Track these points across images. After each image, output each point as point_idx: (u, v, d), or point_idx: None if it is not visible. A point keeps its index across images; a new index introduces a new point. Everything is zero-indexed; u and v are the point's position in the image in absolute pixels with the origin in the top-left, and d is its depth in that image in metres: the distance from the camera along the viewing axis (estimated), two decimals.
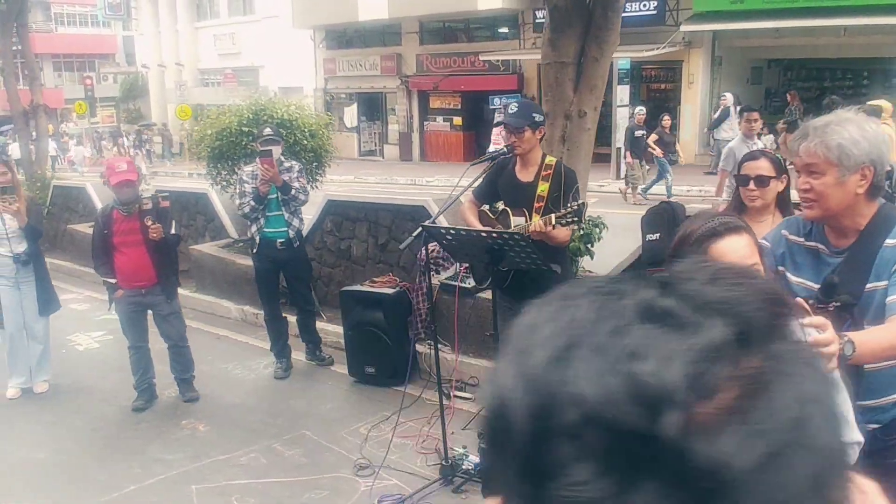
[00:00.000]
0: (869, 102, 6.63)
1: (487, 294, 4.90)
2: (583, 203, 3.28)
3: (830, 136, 1.91)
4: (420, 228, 3.43)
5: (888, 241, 1.99)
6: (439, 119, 22.32)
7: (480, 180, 3.68)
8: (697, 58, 17.26)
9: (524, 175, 3.61)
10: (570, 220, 3.22)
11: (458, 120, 21.91)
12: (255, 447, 4.15)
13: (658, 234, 4.19)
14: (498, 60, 19.79)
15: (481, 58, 19.74)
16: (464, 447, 3.81)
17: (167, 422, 4.62)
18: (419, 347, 5.14)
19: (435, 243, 5.25)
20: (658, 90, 19.34)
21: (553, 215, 3.28)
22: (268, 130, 5.18)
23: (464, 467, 3.70)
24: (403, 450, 4.04)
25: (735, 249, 1.64)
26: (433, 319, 4.48)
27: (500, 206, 3.65)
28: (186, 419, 4.61)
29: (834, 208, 1.96)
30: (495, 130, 18.20)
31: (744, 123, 6.26)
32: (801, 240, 2.15)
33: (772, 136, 14.12)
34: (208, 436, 4.40)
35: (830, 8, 13.69)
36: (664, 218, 4.19)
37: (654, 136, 12.15)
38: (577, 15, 4.45)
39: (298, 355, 5.49)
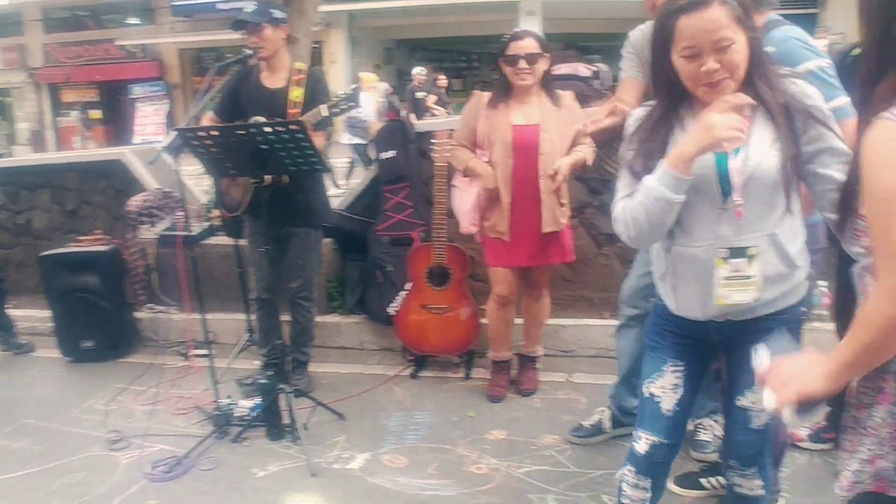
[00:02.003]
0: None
1: (216, 241, 4.48)
2: (356, 87, 3.15)
3: None
4: (175, 133, 2.93)
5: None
6: (74, 113, 20.22)
7: (217, 94, 3.30)
8: (337, 38, 17.92)
9: (273, 81, 3.33)
10: (343, 107, 3.07)
11: (95, 113, 20.15)
12: None
13: (393, 151, 4.26)
14: (136, 46, 18.45)
15: (117, 44, 18.29)
16: (228, 397, 3.43)
17: None
18: (140, 314, 4.47)
19: (144, 196, 4.61)
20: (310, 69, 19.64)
21: (323, 105, 3.09)
22: None
23: (237, 415, 3.34)
24: (156, 416, 3.48)
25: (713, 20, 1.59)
26: (155, 279, 3.93)
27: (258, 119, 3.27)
28: None
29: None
30: (139, 114, 16.65)
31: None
32: None
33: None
34: None
35: None
36: (396, 135, 4.28)
37: (433, 98, 12.28)
38: None
39: None
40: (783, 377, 1.34)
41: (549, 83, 3.25)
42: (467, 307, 3.79)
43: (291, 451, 3.12)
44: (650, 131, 1.76)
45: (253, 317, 3.79)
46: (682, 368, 1.89)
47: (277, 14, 3.31)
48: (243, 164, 2.97)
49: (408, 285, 3.88)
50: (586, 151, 3.16)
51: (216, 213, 4.34)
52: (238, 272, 4.04)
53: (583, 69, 4.19)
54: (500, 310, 3.49)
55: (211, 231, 4.59)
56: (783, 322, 1.77)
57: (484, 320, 3.74)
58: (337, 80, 17.94)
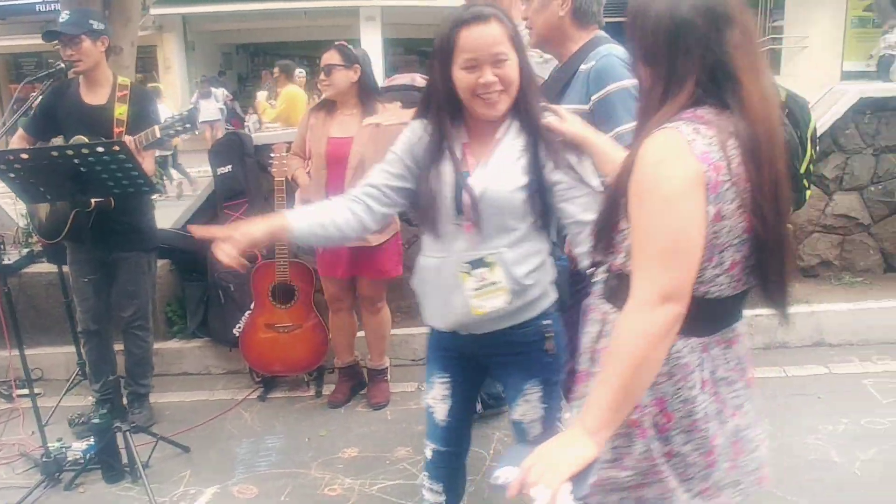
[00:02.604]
0: None
1: (40, 268, 4.13)
2: (194, 108, 3.01)
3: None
4: None
5: (582, 67, 2.12)
6: None
7: (31, 110, 3.02)
8: (171, 43, 17.00)
9: (94, 97, 3.10)
10: (178, 128, 2.92)
11: None
12: None
13: (230, 166, 4.12)
14: None
15: None
16: (59, 439, 3.17)
17: None
18: None
19: None
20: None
21: (156, 126, 2.93)
22: None
23: (70, 458, 3.09)
24: None
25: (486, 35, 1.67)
26: None
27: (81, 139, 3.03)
28: None
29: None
30: None
31: None
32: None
33: (255, 115, 14.97)
34: None
35: None
36: (234, 148, 4.13)
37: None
38: None
39: None
40: (542, 471, 1.19)
41: (368, 95, 3.29)
42: (314, 323, 3.75)
43: (133, 492, 2.93)
44: (423, 155, 1.81)
45: (83, 350, 3.52)
46: (447, 381, 1.98)
47: (97, 25, 3.08)
48: (60, 189, 2.74)
49: (252, 304, 3.77)
50: None
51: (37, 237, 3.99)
52: (64, 302, 3.76)
53: (419, 79, 4.27)
54: (333, 316, 3.59)
55: (31, 258, 4.21)
56: (528, 335, 1.84)
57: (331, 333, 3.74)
58: (172, 86, 17.03)
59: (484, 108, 1.72)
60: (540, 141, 1.73)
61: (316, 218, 1.81)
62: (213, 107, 12.78)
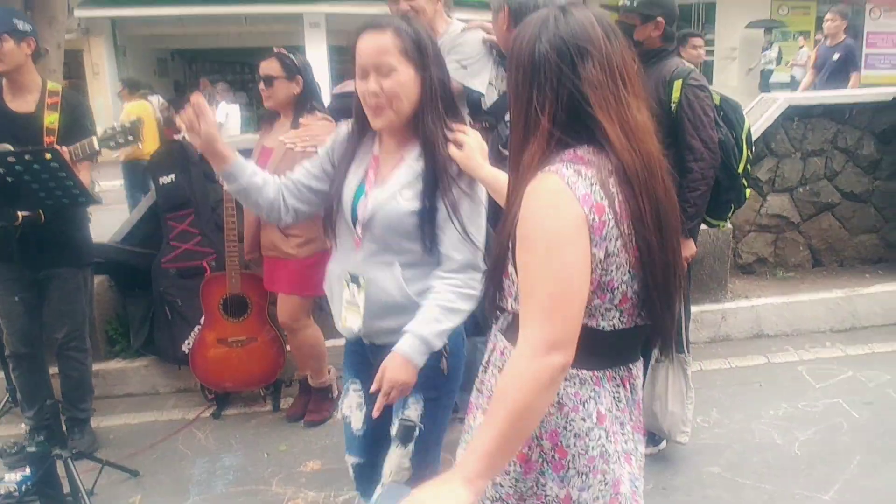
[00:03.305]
0: None
1: None
2: (137, 119, 2.83)
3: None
4: None
5: None
6: None
7: None
8: (99, 47, 16.33)
9: (19, 104, 2.88)
10: (120, 141, 2.74)
11: None
12: None
13: (172, 175, 3.93)
14: None
15: None
16: None
17: None
18: None
19: None
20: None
21: (94, 138, 2.74)
22: None
23: (2, 492, 2.86)
24: None
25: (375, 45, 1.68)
26: None
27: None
28: None
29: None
30: None
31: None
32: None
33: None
34: None
35: None
36: (176, 157, 3.95)
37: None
38: None
39: None
40: None
41: (300, 107, 3.17)
42: (271, 336, 3.59)
43: None
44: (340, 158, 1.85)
45: (13, 375, 3.28)
46: (360, 388, 1.93)
47: (22, 25, 2.87)
48: None
49: (202, 319, 3.59)
50: None
51: None
52: None
53: None
54: (289, 335, 3.51)
55: None
56: None
57: (289, 346, 3.60)
58: (101, 93, 16.36)
59: (372, 119, 1.73)
60: (437, 166, 1.70)
61: (255, 170, 1.83)
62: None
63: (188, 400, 3.81)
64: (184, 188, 3.91)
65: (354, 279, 1.77)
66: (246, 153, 3.49)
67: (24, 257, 2.82)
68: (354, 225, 1.77)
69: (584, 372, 1.29)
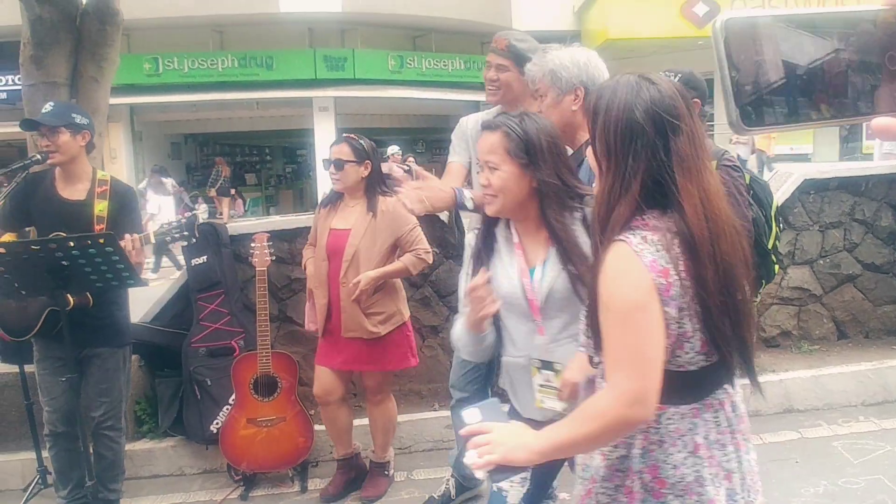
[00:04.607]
0: None
1: None
2: (194, 213, 2.93)
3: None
4: None
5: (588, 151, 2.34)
6: None
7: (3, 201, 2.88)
8: (118, 132, 16.81)
9: (71, 192, 2.96)
10: (176, 234, 2.82)
11: None
12: None
13: (205, 256, 4.01)
14: None
15: None
16: None
17: None
18: None
19: None
20: None
21: (151, 232, 2.85)
22: None
23: None
24: None
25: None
26: None
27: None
28: None
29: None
30: None
31: None
32: None
33: (205, 205, 14.85)
34: None
35: (245, 83, 15.15)
36: (209, 239, 4.03)
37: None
38: (65, 29, 3.91)
39: None
40: (490, 441, 1.38)
41: (372, 189, 3.26)
42: (298, 413, 3.58)
43: None
44: (477, 255, 1.97)
45: (47, 454, 3.25)
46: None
47: (79, 119, 2.98)
48: (37, 283, 2.59)
49: (231, 398, 3.58)
50: (408, 261, 3.20)
51: None
52: (25, 405, 3.50)
53: (396, 168, 4.31)
54: (324, 409, 3.42)
55: None
56: None
57: (318, 426, 3.57)
58: (119, 176, 16.50)
59: (486, 207, 1.91)
60: (564, 248, 1.85)
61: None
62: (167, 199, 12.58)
63: (215, 481, 3.75)
64: (215, 268, 3.98)
65: (547, 365, 1.86)
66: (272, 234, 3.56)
67: (71, 337, 2.85)
68: (531, 310, 1.84)
69: (683, 407, 1.39)
